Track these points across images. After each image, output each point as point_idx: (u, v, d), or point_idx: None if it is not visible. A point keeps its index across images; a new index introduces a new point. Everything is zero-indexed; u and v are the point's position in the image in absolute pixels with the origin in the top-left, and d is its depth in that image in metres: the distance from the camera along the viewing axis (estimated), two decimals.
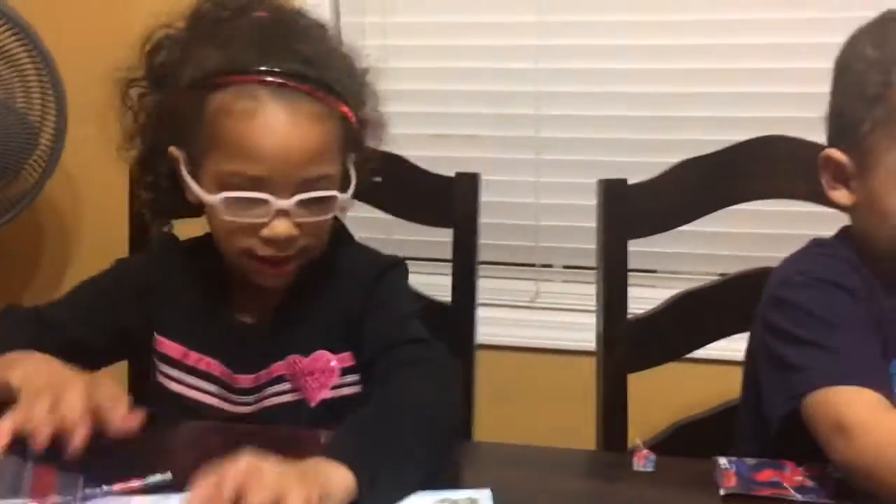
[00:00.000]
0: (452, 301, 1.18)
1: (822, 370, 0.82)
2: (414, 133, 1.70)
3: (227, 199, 0.86)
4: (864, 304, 0.87)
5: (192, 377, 0.96)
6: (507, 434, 0.96)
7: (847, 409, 0.78)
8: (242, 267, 0.93)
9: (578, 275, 1.73)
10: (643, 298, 1.20)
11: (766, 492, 0.80)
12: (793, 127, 1.13)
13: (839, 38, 0.92)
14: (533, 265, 1.75)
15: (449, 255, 1.18)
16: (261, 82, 0.85)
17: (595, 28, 1.62)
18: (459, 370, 0.91)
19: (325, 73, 0.89)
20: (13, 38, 1.56)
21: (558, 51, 1.64)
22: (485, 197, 1.18)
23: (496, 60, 1.67)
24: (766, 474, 0.82)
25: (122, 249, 1.29)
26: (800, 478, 0.81)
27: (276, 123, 0.85)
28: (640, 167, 1.18)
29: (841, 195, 0.90)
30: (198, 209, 0.94)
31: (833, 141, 0.91)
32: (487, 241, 1.23)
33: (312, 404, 0.94)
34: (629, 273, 1.12)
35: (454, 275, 1.19)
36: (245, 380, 0.95)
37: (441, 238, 1.20)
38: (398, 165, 1.19)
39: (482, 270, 1.22)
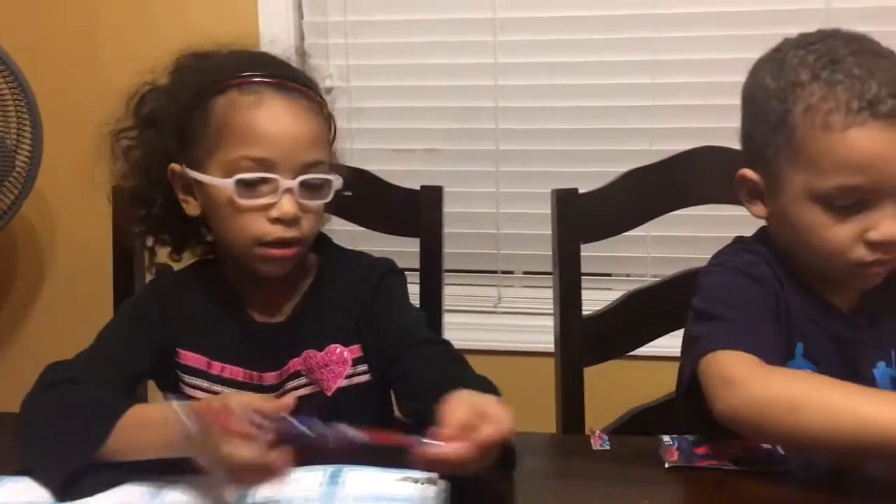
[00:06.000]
0: (420, 307, 1.26)
1: (718, 337, 0.91)
2: (377, 148, 1.80)
3: (239, 180, 0.95)
4: (771, 291, 0.97)
5: (217, 385, 1.03)
6: None
7: (733, 366, 0.88)
8: (250, 259, 0.99)
9: (538, 280, 1.83)
10: (599, 301, 1.26)
11: (705, 463, 0.90)
12: (729, 135, 1.23)
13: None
14: (495, 272, 1.85)
15: (411, 265, 1.26)
16: (260, 82, 0.98)
17: (548, 46, 1.74)
18: None
19: (309, 81, 1.02)
20: None
21: (514, 68, 1.75)
22: (447, 208, 1.27)
23: (456, 78, 1.77)
24: (704, 449, 0.92)
25: (95, 267, 1.34)
26: (734, 451, 0.91)
27: (279, 111, 0.97)
28: (591, 176, 1.27)
29: (757, 209, 0.99)
30: (193, 225, 1.04)
31: (746, 162, 1.00)
32: (451, 250, 1.31)
33: (329, 393, 1.03)
34: (586, 277, 1.21)
35: (421, 282, 1.26)
36: (269, 377, 1.03)
37: (403, 248, 1.28)
38: (367, 179, 1.27)
39: (446, 278, 1.30)
